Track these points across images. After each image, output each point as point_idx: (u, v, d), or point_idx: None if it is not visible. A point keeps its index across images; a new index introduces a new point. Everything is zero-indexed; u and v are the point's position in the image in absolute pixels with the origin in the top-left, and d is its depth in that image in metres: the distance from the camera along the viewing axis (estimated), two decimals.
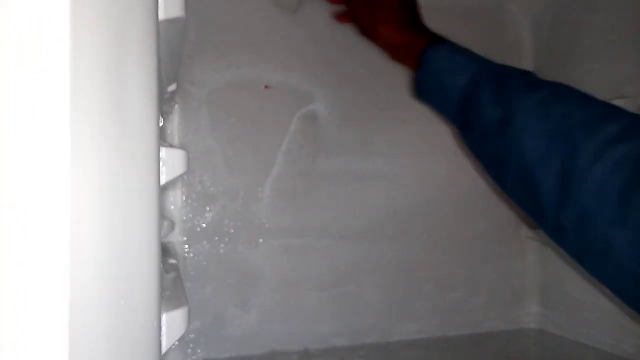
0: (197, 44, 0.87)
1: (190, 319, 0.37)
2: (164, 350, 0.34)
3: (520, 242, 1.03)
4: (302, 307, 0.90)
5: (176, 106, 0.84)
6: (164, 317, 0.34)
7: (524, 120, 0.53)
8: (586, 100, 0.54)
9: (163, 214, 0.79)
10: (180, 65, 0.84)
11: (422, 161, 0.98)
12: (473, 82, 0.60)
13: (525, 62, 1.04)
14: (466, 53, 0.65)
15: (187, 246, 0.86)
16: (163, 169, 0.35)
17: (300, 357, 0.85)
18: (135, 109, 0.26)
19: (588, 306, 0.90)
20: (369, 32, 0.73)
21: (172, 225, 0.81)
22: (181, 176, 0.40)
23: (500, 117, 0.54)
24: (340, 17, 0.83)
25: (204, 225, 0.87)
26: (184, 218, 0.86)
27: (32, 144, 0.23)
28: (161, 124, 0.76)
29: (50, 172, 0.23)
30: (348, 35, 0.94)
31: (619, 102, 0.82)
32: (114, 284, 0.25)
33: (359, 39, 0.94)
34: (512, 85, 0.56)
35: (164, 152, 0.36)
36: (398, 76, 0.96)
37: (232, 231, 0.88)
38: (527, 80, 0.58)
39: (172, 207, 0.85)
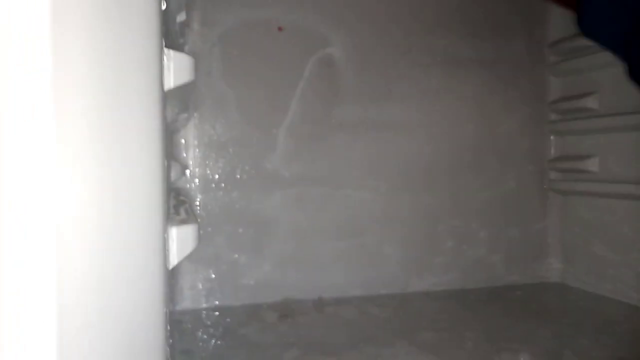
0: None
1: (199, 234, 0.35)
2: (175, 261, 0.32)
3: (543, 200, 0.99)
4: (317, 257, 0.88)
5: (185, 47, 0.81)
6: (174, 230, 0.32)
7: None
8: None
9: (174, 157, 0.77)
10: (187, 5, 0.81)
11: (444, 109, 0.94)
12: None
13: (552, 6, 0.98)
14: None
15: (199, 193, 0.84)
16: (168, 73, 0.32)
17: (314, 304, 0.83)
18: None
19: (611, 262, 0.86)
20: None
21: (183, 170, 0.79)
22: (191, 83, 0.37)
23: None
24: None
25: (217, 174, 0.85)
26: (196, 164, 0.84)
27: None
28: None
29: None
30: None
31: None
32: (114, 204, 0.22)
33: None
34: None
35: (169, 54, 0.33)
36: (419, 19, 0.92)
37: (246, 179, 0.86)
38: None
39: (184, 154, 0.82)
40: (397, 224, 0.92)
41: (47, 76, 0.21)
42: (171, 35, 0.63)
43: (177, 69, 0.33)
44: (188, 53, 0.80)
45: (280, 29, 0.87)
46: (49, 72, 0.22)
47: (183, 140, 0.82)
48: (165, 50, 0.33)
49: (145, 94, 0.28)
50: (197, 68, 0.82)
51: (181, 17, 0.61)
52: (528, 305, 0.85)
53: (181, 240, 0.32)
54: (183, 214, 0.39)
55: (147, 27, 0.26)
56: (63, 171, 0.22)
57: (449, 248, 0.94)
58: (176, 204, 0.56)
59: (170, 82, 0.35)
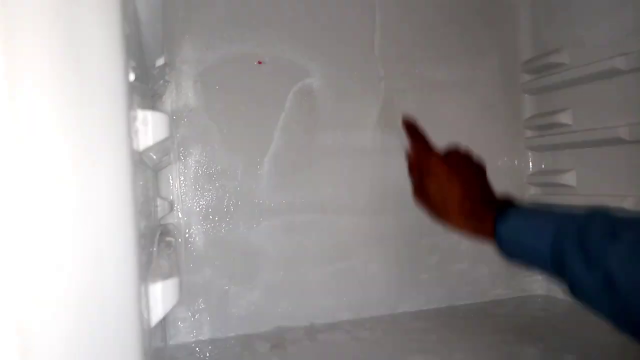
0: (186, 20, 0.85)
1: (181, 289, 0.37)
2: (157, 318, 0.34)
3: None
4: (307, 283, 0.90)
5: (168, 86, 0.83)
6: (154, 287, 0.34)
7: (624, 276, 0.51)
8: None
9: (160, 195, 0.78)
10: (170, 44, 0.83)
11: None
12: (556, 250, 0.58)
13: (523, 26, 1.02)
14: (536, 215, 0.63)
15: (187, 227, 0.85)
16: (143, 131, 0.34)
17: (306, 331, 0.84)
18: (94, 58, 0.24)
19: None
20: (435, 220, 0.71)
21: (171, 206, 0.81)
22: (169, 143, 0.39)
23: (601, 279, 0.53)
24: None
25: (203, 205, 0.86)
26: (183, 198, 0.85)
27: None
28: (152, 104, 0.76)
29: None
30: (341, 9, 0.92)
31: (620, 60, 0.81)
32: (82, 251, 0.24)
33: (351, 10, 0.93)
34: (595, 241, 0.54)
35: (143, 115, 0.35)
36: (393, 45, 0.94)
37: (232, 210, 0.88)
38: (606, 230, 0.55)
39: (170, 188, 0.84)
40: (382, 245, 0.94)
41: None
42: (150, 81, 0.65)
43: (154, 127, 0.35)
44: (171, 92, 0.83)
45: (259, 62, 0.89)
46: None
47: (170, 177, 0.84)
48: (141, 112, 0.34)
49: (113, 158, 0.29)
50: (179, 105, 0.85)
51: (160, 62, 0.63)
52: (514, 320, 0.87)
53: (162, 297, 0.34)
54: (165, 264, 0.40)
55: (115, 99, 0.27)
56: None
57: (434, 265, 0.96)
58: (162, 245, 0.58)
59: (148, 141, 0.37)
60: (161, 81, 0.72)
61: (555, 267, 0.58)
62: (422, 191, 0.70)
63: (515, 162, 1.01)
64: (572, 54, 0.92)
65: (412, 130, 0.74)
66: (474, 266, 0.98)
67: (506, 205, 0.64)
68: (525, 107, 1.02)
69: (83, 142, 0.28)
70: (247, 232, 0.88)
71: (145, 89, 0.53)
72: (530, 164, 1.02)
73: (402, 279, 0.95)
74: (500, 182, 0.96)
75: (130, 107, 0.28)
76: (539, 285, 1.01)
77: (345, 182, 0.93)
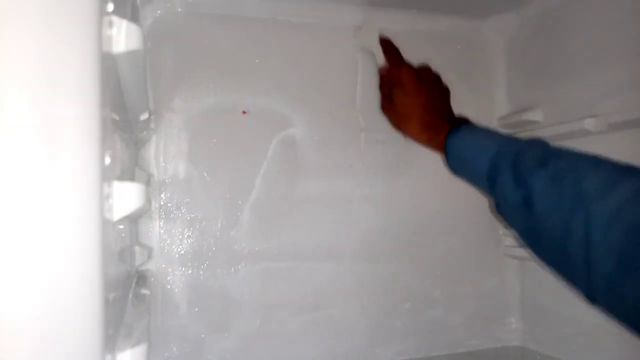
0: (174, 71, 0.88)
1: (149, 356, 0.37)
2: None
3: (499, 259, 1.03)
4: (283, 332, 0.90)
5: (153, 134, 0.84)
6: (121, 356, 0.34)
7: (542, 198, 0.55)
8: (595, 164, 0.55)
9: (138, 242, 0.79)
10: (156, 94, 0.85)
11: (399, 182, 0.99)
12: (494, 164, 0.64)
13: (499, 83, 1.06)
14: (483, 134, 0.68)
15: (165, 273, 0.85)
16: (115, 203, 0.35)
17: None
18: (70, 144, 0.26)
19: (568, 321, 0.90)
20: (397, 129, 0.80)
21: (149, 253, 0.81)
22: (147, 207, 0.40)
23: (522, 197, 0.57)
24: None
25: (183, 252, 0.87)
26: (162, 245, 0.86)
27: None
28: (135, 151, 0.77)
29: None
30: (325, 63, 0.96)
31: (589, 121, 0.84)
32: (43, 330, 0.24)
33: (334, 63, 0.96)
34: (526, 163, 0.59)
35: (120, 186, 0.36)
36: (373, 101, 0.97)
37: (211, 256, 0.88)
38: (539, 156, 0.60)
39: (150, 234, 0.85)
40: (358, 292, 0.95)
41: None
42: (134, 132, 0.67)
43: (129, 198, 0.36)
44: (155, 140, 0.84)
45: (244, 112, 0.91)
46: None
47: (149, 223, 0.85)
48: (117, 185, 0.35)
49: (84, 235, 0.30)
50: (163, 152, 0.86)
51: (144, 116, 0.65)
52: None
53: None
54: (136, 326, 0.41)
55: (88, 190, 0.28)
56: None
57: (407, 311, 0.97)
58: (136, 300, 0.58)
59: (123, 212, 0.38)
60: (145, 132, 0.74)
61: (489, 182, 0.62)
62: (390, 101, 0.77)
63: (491, 219, 1.04)
64: (546, 112, 0.96)
65: (389, 45, 0.83)
66: (447, 314, 0.99)
67: (460, 122, 0.70)
68: None
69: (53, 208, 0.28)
70: (226, 279, 0.88)
71: (129, 153, 0.55)
72: None
73: (378, 327, 0.95)
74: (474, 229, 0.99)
75: (103, 187, 0.29)
76: (514, 336, 1.02)
77: (325, 230, 0.94)
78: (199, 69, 0.89)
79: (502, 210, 0.62)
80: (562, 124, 0.90)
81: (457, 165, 0.69)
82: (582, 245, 0.49)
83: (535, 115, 0.96)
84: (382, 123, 0.98)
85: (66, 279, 0.26)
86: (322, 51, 0.96)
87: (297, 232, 0.93)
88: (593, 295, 0.51)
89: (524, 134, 0.98)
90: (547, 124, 0.94)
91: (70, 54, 0.25)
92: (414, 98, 0.77)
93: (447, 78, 1.03)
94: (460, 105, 1.03)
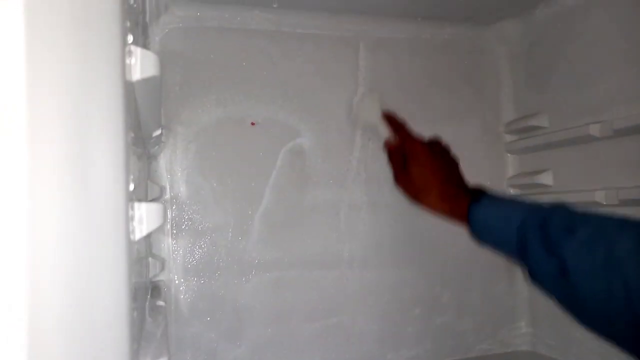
0: (183, 85, 0.89)
1: None
2: None
3: (507, 263, 1.04)
4: (294, 339, 0.91)
5: (164, 147, 0.86)
6: None
7: (576, 266, 0.56)
8: (620, 227, 0.56)
9: (152, 254, 0.80)
10: (166, 107, 0.87)
11: None
12: (521, 236, 0.65)
13: (504, 89, 1.07)
14: (504, 205, 0.69)
15: (178, 283, 0.87)
16: (138, 224, 0.36)
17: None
18: (100, 176, 0.27)
19: (578, 325, 0.90)
20: (414, 202, 0.80)
21: (163, 264, 0.83)
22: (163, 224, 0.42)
23: (556, 267, 0.58)
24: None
25: (194, 262, 0.88)
26: (174, 255, 0.87)
27: None
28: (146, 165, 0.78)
29: (9, 232, 0.24)
30: (330, 72, 0.97)
31: (594, 127, 0.85)
32: (77, 345, 0.26)
33: (338, 72, 0.98)
34: (554, 232, 0.60)
35: (141, 207, 0.37)
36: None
37: (223, 266, 0.89)
38: (565, 223, 0.61)
39: (162, 246, 0.86)
40: (368, 299, 0.96)
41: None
42: (147, 147, 0.68)
43: (149, 221, 0.37)
44: (166, 153, 0.86)
45: (253, 124, 0.93)
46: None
47: (162, 234, 0.86)
48: (137, 208, 0.37)
49: (112, 257, 0.32)
50: (173, 165, 0.88)
51: (157, 132, 0.66)
52: None
53: None
54: (155, 342, 0.42)
55: (115, 214, 0.29)
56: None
57: (417, 317, 0.98)
58: (153, 312, 0.59)
59: (142, 233, 0.39)
60: (157, 146, 0.76)
61: (519, 252, 0.63)
62: (404, 174, 0.77)
63: None
64: (551, 118, 0.96)
65: (394, 121, 0.83)
66: (457, 319, 1.00)
67: (480, 192, 0.71)
68: (508, 166, 1.06)
69: (85, 233, 0.30)
70: (237, 288, 0.90)
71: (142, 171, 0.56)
72: None
73: (388, 333, 0.96)
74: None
75: (128, 215, 0.31)
76: (524, 340, 1.02)
77: (334, 238, 0.95)
78: (207, 82, 0.91)
79: (538, 279, 0.63)
80: (567, 129, 0.91)
81: (483, 236, 0.70)
82: (626, 310, 0.50)
83: (541, 121, 0.97)
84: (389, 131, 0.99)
85: (97, 300, 0.27)
86: (326, 61, 0.97)
87: (306, 241, 0.94)
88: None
89: (531, 140, 0.99)
90: (552, 129, 0.95)
91: (100, 88, 0.27)
92: (431, 170, 0.78)
93: (454, 85, 1.04)
94: (467, 112, 1.04)
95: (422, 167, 0.77)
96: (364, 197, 0.98)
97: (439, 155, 0.78)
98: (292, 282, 0.92)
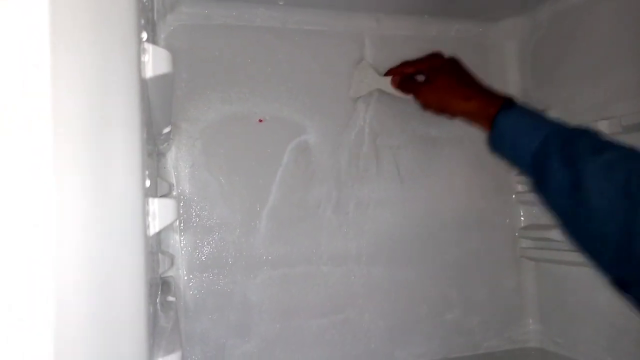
0: (189, 82, 0.90)
1: None
2: None
3: (515, 260, 1.04)
4: (303, 336, 0.92)
5: (172, 144, 0.86)
6: None
7: (592, 183, 0.57)
8: None
9: (161, 250, 0.81)
10: (174, 105, 0.87)
11: (414, 186, 1.00)
12: (544, 144, 0.65)
13: (511, 86, 1.06)
14: (535, 116, 0.71)
15: (186, 279, 0.87)
16: (152, 220, 0.36)
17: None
18: (118, 173, 0.28)
19: (586, 321, 0.91)
20: (443, 112, 0.84)
21: (172, 260, 0.83)
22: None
23: (571, 180, 0.59)
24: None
25: (203, 258, 0.89)
26: (183, 252, 0.88)
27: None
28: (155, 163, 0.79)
29: (33, 222, 0.25)
30: (335, 67, 0.97)
31: (603, 123, 0.85)
32: (99, 339, 0.26)
33: (344, 72, 0.98)
34: (579, 148, 0.61)
35: (154, 203, 0.37)
36: (386, 105, 0.99)
37: (231, 262, 0.90)
38: (592, 143, 0.62)
39: (171, 242, 0.87)
40: (375, 295, 0.96)
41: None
42: (157, 144, 0.68)
43: (162, 217, 0.38)
44: (173, 150, 0.86)
45: (261, 120, 0.93)
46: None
47: (171, 234, 0.87)
48: (152, 203, 0.37)
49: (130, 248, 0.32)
50: (181, 161, 0.88)
51: (167, 129, 0.66)
52: None
53: None
54: (168, 338, 0.42)
55: (133, 209, 0.30)
56: None
57: (425, 314, 0.98)
58: (164, 307, 0.60)
59: (156, 228, 0.39)
60: (166, 143, 0.76)
61: (536, 161, 0.64)
62: (426, 88, 0.84)
63: (507, 216, 1.05)
64: (559, 114, 0.96)
65: (397, 71, 0.86)
66: (465, 316, 1.00)
67: (511, 100, 0.72)
68: None
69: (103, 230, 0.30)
70: (245, 284, 0.90)
71: (152, 164, 0.57)
72: (522, 218, 1.05)
73: (396, 330, 0.96)
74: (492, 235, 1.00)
75: (145, 211, 0.31)
76: (532, 337, 1.03)
77: (341, 234, 0.96)
78: (213, 79, 0.91)
79: (544, 189, 0.64)
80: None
81: (501, 141, 0.71)
82: (625, 234, 0.51)
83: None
84: (396, 127, 0.99)
85: (115, 294, 0.27)
86: (332, 57, 0.97)
87: (313, 237, 0.94)
88: (627, 282, 0.53)
89: None
90: None
91: (118, 85, 0.27)
92: (457, 75, 0.82)
93: None
94: None
95: (447, 74, 0.81)
96: (372, 194, 0.98)
97: (460, 65, 0.82)
98: (299, 278, 0.93)
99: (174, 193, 0.87)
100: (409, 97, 0.90)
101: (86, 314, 0.26)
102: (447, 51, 1.03)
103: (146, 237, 0.31)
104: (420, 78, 0.90)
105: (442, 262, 1.00)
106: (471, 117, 0.78)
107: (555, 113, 0.95)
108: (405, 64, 0.90)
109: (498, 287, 1.02)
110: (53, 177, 0.24)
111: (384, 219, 0.98)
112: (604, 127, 0.85)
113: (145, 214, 0.31)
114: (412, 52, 1.00)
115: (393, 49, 1.00)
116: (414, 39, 1.01)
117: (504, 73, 1.07)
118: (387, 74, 0.94)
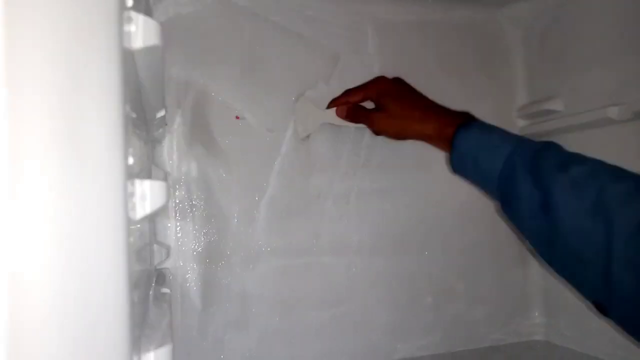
0: (184, 71, 0.87)
1: (174, 357, 0.36)
2: None
3: (521, 252, 1.01)
4: (303, 328, 0.89)
5: (167, 129, 0.84)
6: (146, 357, 0.34)
7: (562, 202, 0.55)
8: (616, 174, 0.54)
9: (156, 241, 0.79)
10: (166, 92, 0.85)
11: (417, 176, 0.97)
12: (508, 163, 0.62)
13: (517, 72, 1.04)
14: (495, 132, 0.68)
15: (183, 271, 0.85)
16: (138, 200, 0.34)
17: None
18: (94, 143, 0.25)
19: (592, 314, 0.88)
20: (399, 137, 0.83)
21: (168, 251, 0.81)
22: (166, 204, 0.40)
23: (540, 200, 0.56)
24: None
25: (200, 249, 0.86)
26: (180, 243, 0.85)
27: None
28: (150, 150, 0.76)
29: None
30: (337, 57, 0.94)
31: (613, 109, 0.82)
32: (73, 325, 0.24)
33: (347, 60, 0.95)
34: (545, 165, 0.58)
35: (143, 184, 0.35)
36: None
37: (229, 253, 0.87)
38: (558, 158, 0.59)
39: (167, 232, 0.84)
40: (376, 287, 0.94)
41: None
42: (151, 131, 0.66)
43: (152, 198, 0.35)
44: (170, 137, 0.84)
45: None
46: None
47: (167, 225, 0.84)
48: (139, 185, 0.35)
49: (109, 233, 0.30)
50: (177, 149, 0.85)
51: (160, 113, 0.64)
52: None
53: None
54: (159, 330, 0.40)
55: (113, 182, 0.27)
56: None
57: (429, 307, 0.96)
58: (158, 299, 0.58)
59: (145, 211, 0.37)
60: (161, 129, 0.74)
61: (501, 182, 0.61)
62: (380, 116, 0.79)
63: None
64: (566, 101, 0.93)
65: (340, 101, 0.86)
66: (469, 308, 0.98)
67: (469, 117, 0.70)
68: None
69: (79, 210, 0.28)
70: (243, 276, 0.88)
71: (146, 149, 0.54)
72: None
73: (399, 322, 0.94)
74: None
75: (126, 186, 0.29)
76: (538, 330, 1.00)
77: (342, 225, 0.93)
78: (209, 68, 0.88)
79: (513, 212, 0.61)
80: (583, 113, 0.88)
81: (462, 162, 0.67)
82: (602, 255, 0.48)
83: (556, 105, 0.94)
84: None
85: (91, 279, 0.25)
86: (334, 46, 0.94)
87: (313, 228, 0.92)
88: (607, 305, 0.51)
89: (545, 125, 0.96)
90: (568, 113, 0.92)
91: (93, 51, 0.24)
92: (409, 98, 0.78)
93: (465, 68, 1.02)
94: (479, 96, 1.01)
95: (398, 99, 0.78)
96: (374, 184, 0.95)
97: (408, 86, 0.80)
98: (299, 269, 0.90)
99: (170, 182, 0.84)
100: (360, 126, 0.88)
101: (52, 304, 0.23)
102: (452, 38, 1.01)
103: (127, 219, 0.28)
104: (368, 104, 0.87)
105: (445, 253, 0.97)
106: (429, 140, 0.75)
107: (562, 100, 0.94)
108: (349, 93, 0.86)
109: (504, 279, 1.00)
110: (8, 155, 0.22)
111: (386, 209, 0.95)
112: (614, 114, 0.82)
113: (127, 194, 0.28)
114: (415, 39, 0.98)
115: (396, 36, 0.97)
116: (418, 26, 0.98)
117: (509, 60, 1.04)
118: (329, 106, 0.89)
